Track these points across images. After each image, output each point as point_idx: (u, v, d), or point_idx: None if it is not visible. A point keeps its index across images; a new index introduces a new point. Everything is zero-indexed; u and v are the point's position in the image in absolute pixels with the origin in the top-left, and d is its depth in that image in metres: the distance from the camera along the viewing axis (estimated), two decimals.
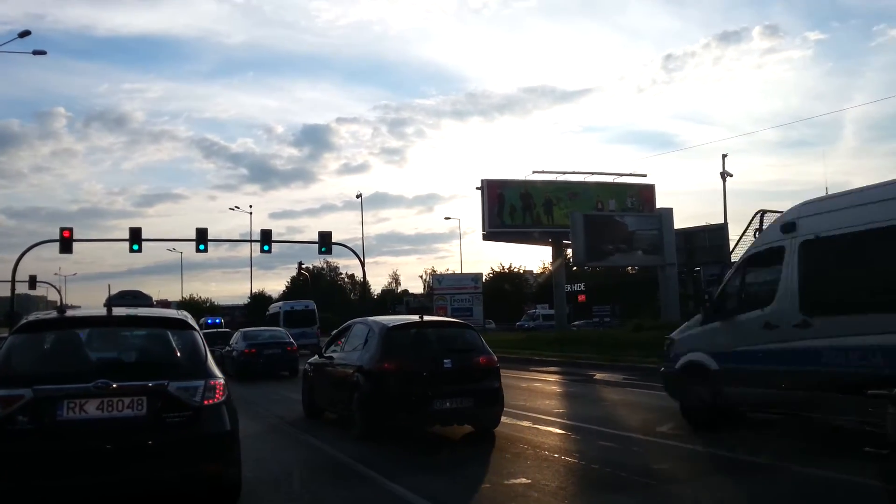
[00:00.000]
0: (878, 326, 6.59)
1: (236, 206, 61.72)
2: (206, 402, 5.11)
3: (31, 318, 5.78)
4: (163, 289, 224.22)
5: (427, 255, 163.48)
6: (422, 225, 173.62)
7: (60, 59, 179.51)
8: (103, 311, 5.85)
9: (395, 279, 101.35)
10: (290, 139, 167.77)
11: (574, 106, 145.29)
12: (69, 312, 5.95)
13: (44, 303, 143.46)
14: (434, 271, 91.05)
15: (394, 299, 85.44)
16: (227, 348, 20.95)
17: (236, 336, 21.82)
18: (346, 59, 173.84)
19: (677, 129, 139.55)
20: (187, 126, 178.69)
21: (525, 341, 29.98)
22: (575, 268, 51.77)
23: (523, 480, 6.25)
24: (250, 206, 61.54)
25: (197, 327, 5.77)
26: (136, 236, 33.46)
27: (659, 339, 23.01)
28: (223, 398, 5.24)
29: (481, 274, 47.76)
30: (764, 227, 9.21)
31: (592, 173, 43.71)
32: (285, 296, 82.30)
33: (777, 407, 8.04)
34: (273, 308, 37.00)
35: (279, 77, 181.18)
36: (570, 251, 49.63)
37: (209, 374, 5.27)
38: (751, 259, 8.64)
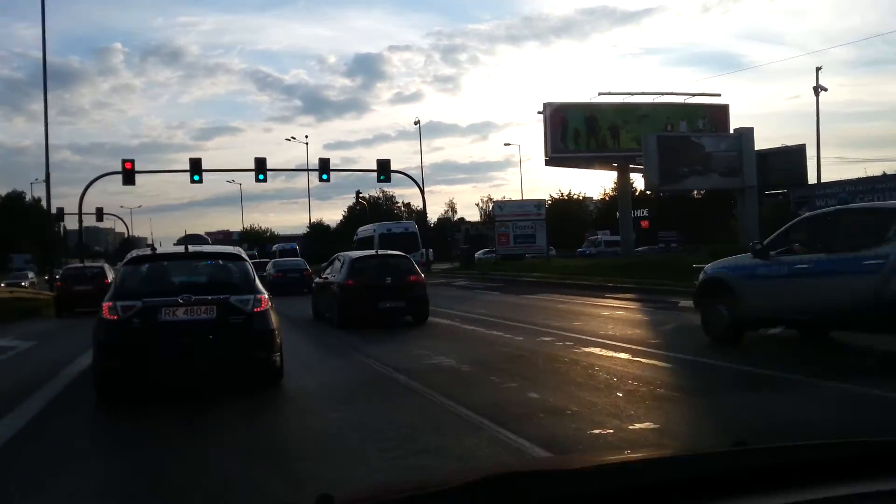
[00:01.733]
0: None
1: (292, 137, 61.77)
2: (255, 310, 7.21)
3: (134, 253, 8.38)
4: (223, 219, 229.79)
5: (482, 184, 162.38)
6: (476, 153, 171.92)
7: None
8: (181, 249, 8.48)
9: (452, 207, 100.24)
10: (342, 69, 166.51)
11: (635, 27, 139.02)
12: (159, 250, 8.49)
13: (112, 234, 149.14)
14: (490, 199, 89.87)
15: (451, 227, 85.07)
16: (263, 273, 25.22)
17: (269, 264, 28.86)
18: None
19: (745, 50, 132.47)
20: (241, 59, 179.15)
21: (592, 267, 28.90)
22: (648, 192, 49.77)
23: (650, 425, 5.45)
24: (306, 137, 61.93)
25: (248, 259, 8.12)
26: (196, 167, 33.51)
27: None
28: (268, 307, 7.38)
29: (544, 200, 46.40)
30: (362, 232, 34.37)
31: (662, 94, 41.49)
32: (343, 224, 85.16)
33: None
34: (274, 247, 48.53)
35: (330, 5, 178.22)
36: (636, 175, 47.84)
37: (257, 291, 7.42)
38: (372, 239, 29.40)
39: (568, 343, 10.01)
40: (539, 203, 42.67)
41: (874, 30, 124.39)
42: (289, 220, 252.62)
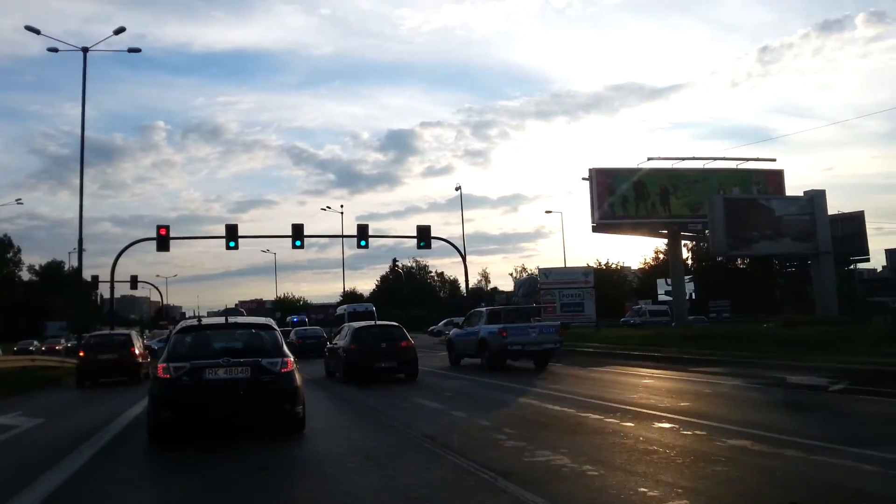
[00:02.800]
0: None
1: (328, 207, 60.78)
2: (282, 371, 8.41)
3: (183, 324, 9.84)
4: (256, 289, 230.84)
5: (512, 255, 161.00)
6: (507, 225, 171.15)
7: (160, 76, 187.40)
8: (222, 320, 9.94)
9: (485, 277, 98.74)
10: (375, 144, 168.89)
11: (664, 103, 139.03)
12: (203, 321, 9.97)
13: (147, 303, 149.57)
14: (525, 268, 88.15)
15: (486, 296, 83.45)
16: (288, 340, 26.45)
17: (292, 332, 32.33)
18: (430, 65, 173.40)
19: (774, 124, 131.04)
20: (278, 135, 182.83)
21: (655, 338, 26.51)
22: (719, 258, 47.28)
23: None
24: (341, 206, 60.86)
25: (277, 328, 9.34)
26: (232, 233, 32.50)
27: (824, 336, 19.55)
28: (293, 368, 8.59)
29: (592, 267, 44.18)
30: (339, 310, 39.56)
31: (713, 158, 39.64)
32: (376, 293, 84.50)
33: None
34: (288, 318, 53.83)
35: (365, 85, 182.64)
36: (688, 243, 45.61)
37: (284, 355, 8.62)
38: (343, 317, 33.16)
39: (699, 431, 7.84)
40: (587, 271, 40.68)
41: None
42: (321, 289, 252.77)
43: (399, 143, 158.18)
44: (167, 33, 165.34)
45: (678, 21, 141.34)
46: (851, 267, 38.87)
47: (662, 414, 9.26)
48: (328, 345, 19.67)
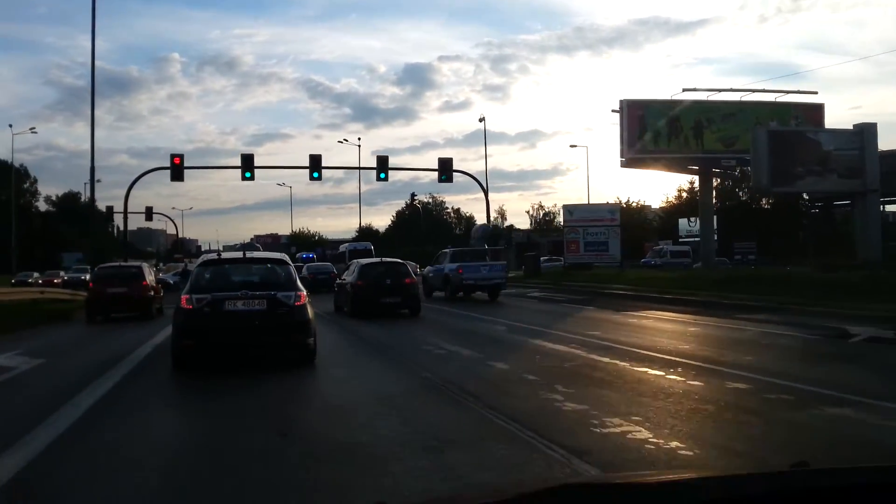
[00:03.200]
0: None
1: (345, 139, 59.72)
2: (296, 304, 9.07)
3: (204, 258, 10.82)
4: (271, 224, 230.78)
5: (529, 192, 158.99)
6: (524, 162, 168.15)
7: (175, 8, 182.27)
8: (240, 254, 10.84)
9: (502, 214, 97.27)
10: (392, 78, 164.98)
11: (689, 38, 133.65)
12: (223, 255, 10.94)
13: (164, 236, 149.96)
14: (542, 206, 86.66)
15: (502, 234, 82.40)
16: (300, 275, 28.10)
17: (304, 268, 31.95)
18: None
19: (803, 60, 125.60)
20: (294, 68, 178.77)
21: (683, 281, 25.32)
22: (745, 199, 45.60)
23: None
24: (359, 139, 59.61)
25: (291, 263, 10.29)
26: (248, 163, 31.72)
27: (867, 282, 18.30)
28: (305, 302, 9.23)
29: (619, 205, 42.58)
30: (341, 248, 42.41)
31: (752, 90, 37.64)
32: (391, 229, 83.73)
33: None
34: (297, 255, 53.89)
35: (382, 18, 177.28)
36: (717, 180, 43.91)
37: (298, 289, 9.34)
38: (344, 254, 35.63)
39: (785, 395, 6.75)
40: (613, 208, 39.20)
41: None
42: (336, 224, 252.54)
43: (416, 78, 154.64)
44: None
45: None
46: (882, 209, 37.43)
47: (729, 370, 8.18)
48: (338, 280, 20.88)
